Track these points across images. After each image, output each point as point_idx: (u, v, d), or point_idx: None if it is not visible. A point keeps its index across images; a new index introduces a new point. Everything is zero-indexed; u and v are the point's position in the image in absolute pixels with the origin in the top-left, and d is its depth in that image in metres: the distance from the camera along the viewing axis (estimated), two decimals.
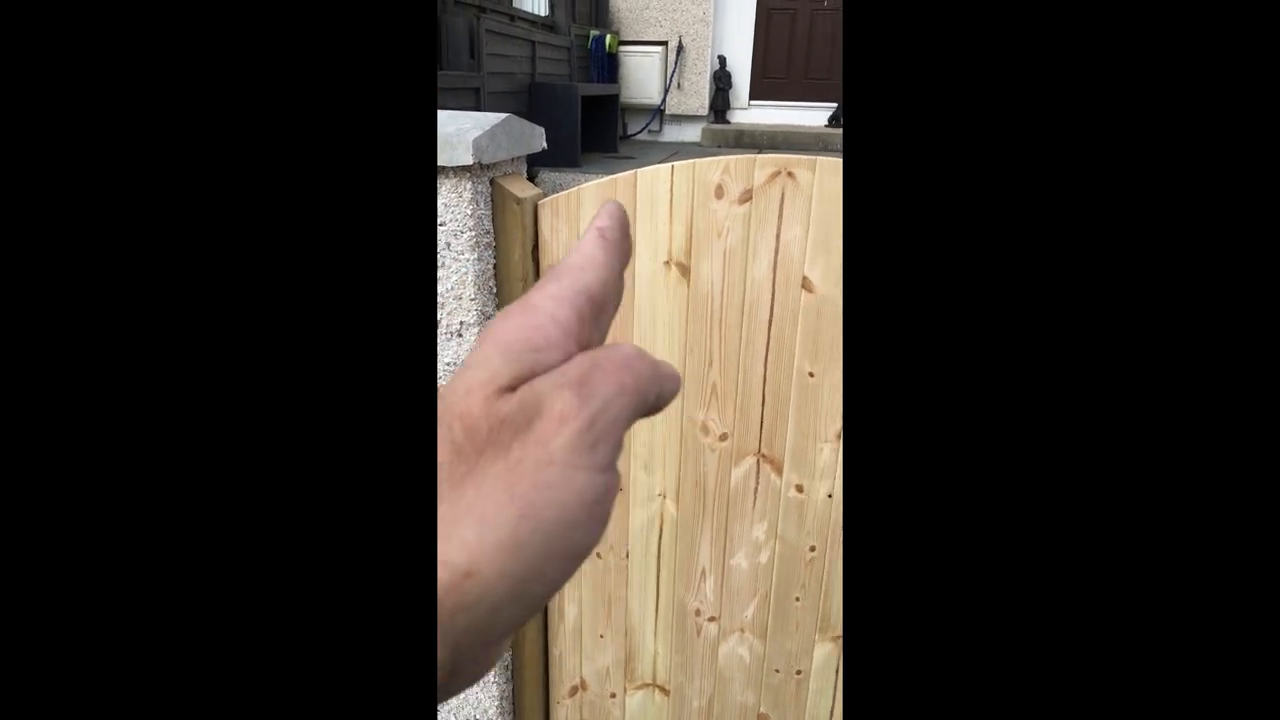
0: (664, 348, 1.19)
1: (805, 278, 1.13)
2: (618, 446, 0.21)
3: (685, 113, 6.03)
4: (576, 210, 1.14)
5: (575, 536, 0.20)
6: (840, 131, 5.71)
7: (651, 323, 1.19)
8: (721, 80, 5.93)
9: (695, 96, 5.99)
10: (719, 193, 1.11)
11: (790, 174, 1.08)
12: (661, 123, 6.07)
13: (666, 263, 1.15)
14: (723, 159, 1.09)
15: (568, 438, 0.19)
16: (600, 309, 0.23)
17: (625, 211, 0.26)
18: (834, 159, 1.06)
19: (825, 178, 1.07)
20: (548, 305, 0.22)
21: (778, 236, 1.12)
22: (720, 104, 5.97)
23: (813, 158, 1.07)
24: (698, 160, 1.10)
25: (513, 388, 0.20)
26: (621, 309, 1.20)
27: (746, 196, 1.10)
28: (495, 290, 1.16)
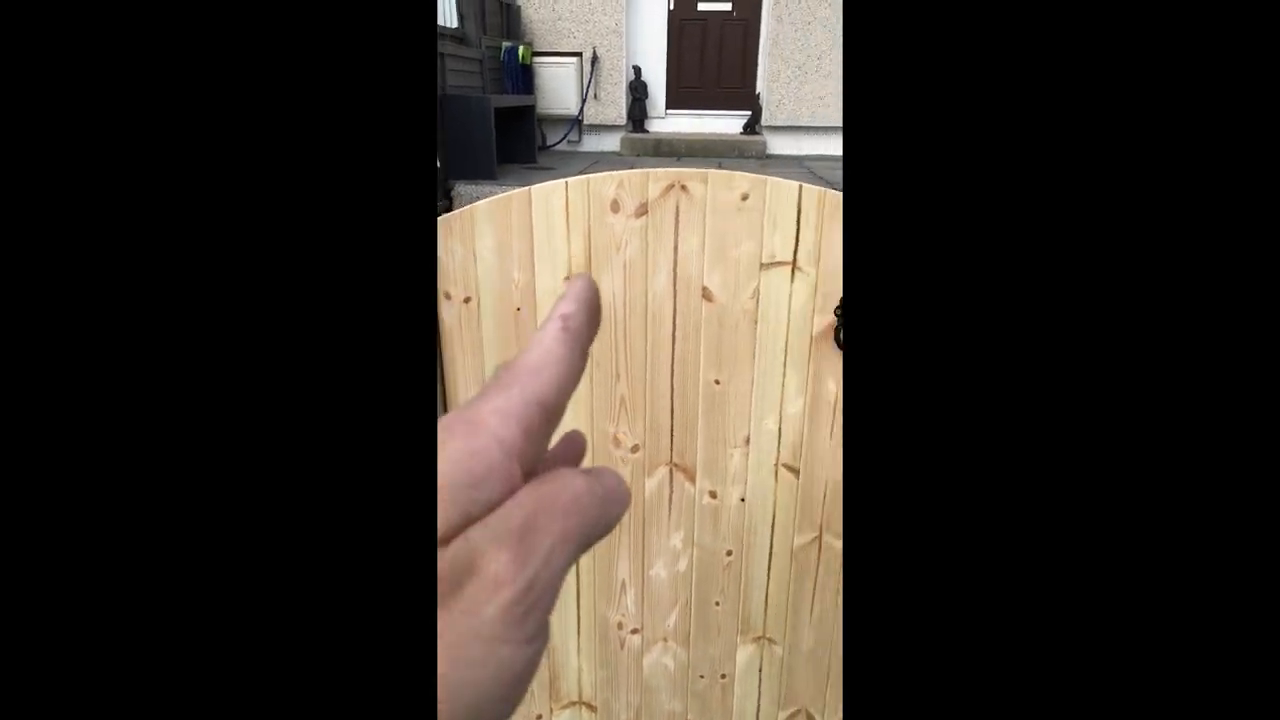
0: None
1: (705, 288, 1.15)
2: (552, 604, 0.19)
3: (604, 122, 6.06)
4: (471, 229, 1.12)
5: (493, 712, 0.18)
6: (754, 138, 5.85)
7: None
8: (637, 90, 5.98)
9: (612, 106, 6.02)
10: (615, 207, 1.11)
11: (684, 187, 1.10)
12: (580, 133, 6.07)
13: (567, 278, 1.15)
14: (617, 174, 1.10)
15: (499, 606, 0.18)
16: (554, 414, 0.21)
17: (595, 287, 0.24)
18: (725, 171, 1.09)
19: (718, 190, 1.09)
20: (492, 423, 0.20)
21: (675, 248, 1.13)
22: (638, 113, 6.03)
23: (704, 170, 1.09)
24: (591, 175, 1.10)
25: (445, 540, 0.18)
26: (524, 327, 1.19)
27: (642, 210, 1.11)
28: None
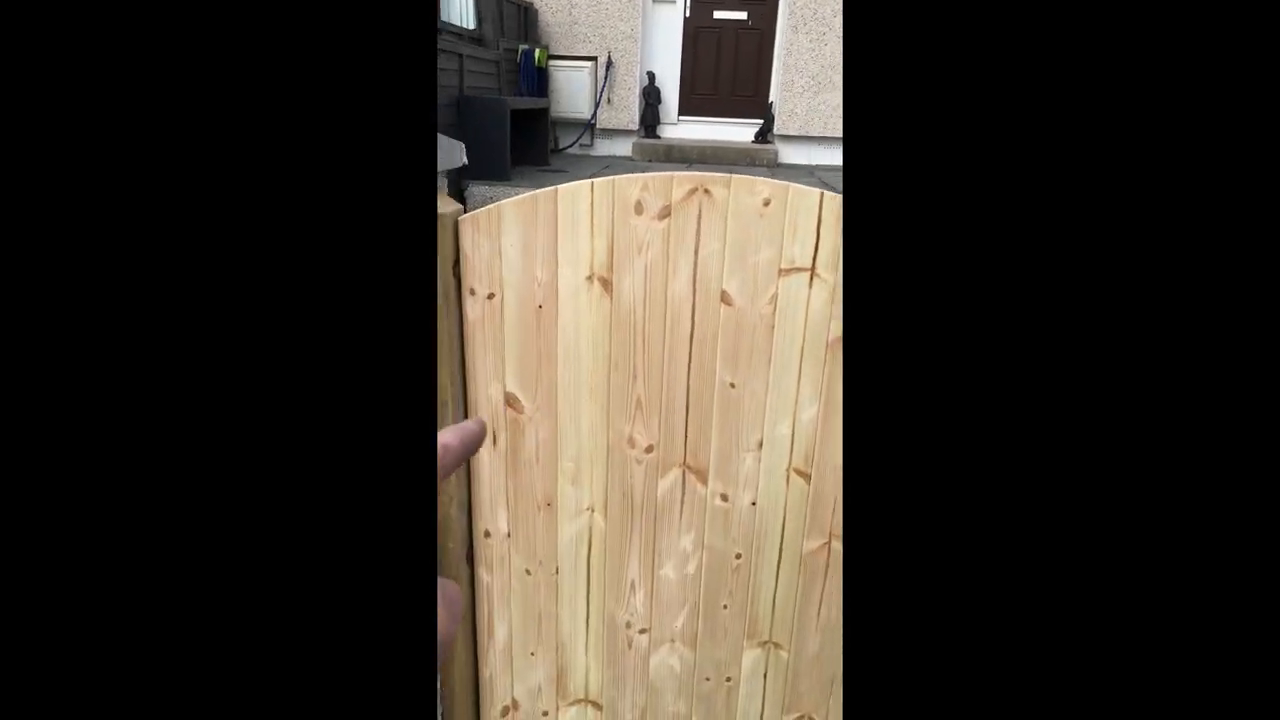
0: (589, 362, 1.20)
1: (724, 291, 1.16)
2: None
3: (616, 127, 6.09)
4: (497, 225, 1.14)
5: None
6: (766, 147, 5.87)
7: (575, 338, 1.19)
8: (650, 96, 6.01)
9: (625, 111, 6.05)
10: (638, 209, 1.13)
11: (707, 190, 1.11)
12: (593, 137, 6.10)
13: (589, 277, 1.16)
14: (641, 176, 1.11)
15: None
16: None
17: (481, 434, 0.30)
18: (747, 177, 1.10)
19: (740, 195, 1.11)
20: None
21: (696, 252, 1.14)
22: (650, 119, 6.06)
23: (728, 175, 1.10)
24: (617, 177, 1.12)
25: None
26: (545, 324, 1.21)
27: (665, 212, 1.13)
28: None
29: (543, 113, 5.10)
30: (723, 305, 1.17)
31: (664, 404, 1.23)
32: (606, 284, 1.17)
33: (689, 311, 1.18)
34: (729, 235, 1.13)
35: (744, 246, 1.14)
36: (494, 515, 1.31)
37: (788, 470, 1.25)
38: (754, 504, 1.28)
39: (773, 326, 1.17)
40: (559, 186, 1.13)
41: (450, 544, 1.27)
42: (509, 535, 1.32)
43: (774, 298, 1.16)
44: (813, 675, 1.37)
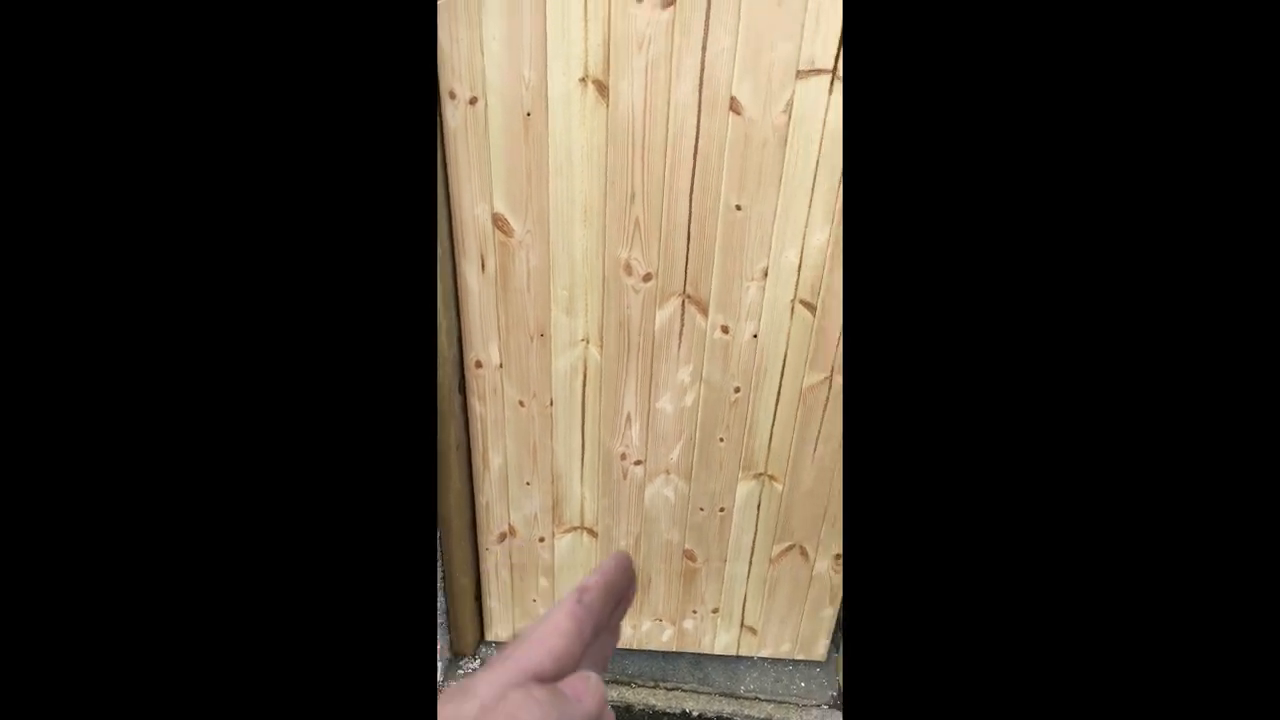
0: (583, 180, 1.10)
1: (733, 98, 1.04)
2: None
3: None
4: (478, 13, 1.00)
5: None
6: None
7: (568, 153, 1.09)
8: None
9: None
10: None
11: None
12: None
13: (583, 79, 1.04)
14: None
15: None
16: (552, 679, 0.24)
17: (628, 564, 0.27)
18: None
19: None
20: (481, 690, 0.22)
21: (704, 49, 1.01)
22: None
23: None
24: None
25: None
26: (534, 135, 1.09)
27: (670, 0, 0.98)
28: None
29: None
30: (731, 114, 1.05)
31: (664, 228, 1.14)
32: (602, 88, 1.04)
33: (694, 122, 1.06)
34: (742, 29, 1.00)
35: (758, 44, 1.00)
36: (485, 345, 1.26)
37: (792, 302, 1.19)
38: (755, 336, 1.23)
39: (785, 140, 1.07)
40: None
41: (441, 373, 1.23)
42: (501, 366, 1.28)
43: (789, 105, 1.04)
44: (806, 508, 1.39)
